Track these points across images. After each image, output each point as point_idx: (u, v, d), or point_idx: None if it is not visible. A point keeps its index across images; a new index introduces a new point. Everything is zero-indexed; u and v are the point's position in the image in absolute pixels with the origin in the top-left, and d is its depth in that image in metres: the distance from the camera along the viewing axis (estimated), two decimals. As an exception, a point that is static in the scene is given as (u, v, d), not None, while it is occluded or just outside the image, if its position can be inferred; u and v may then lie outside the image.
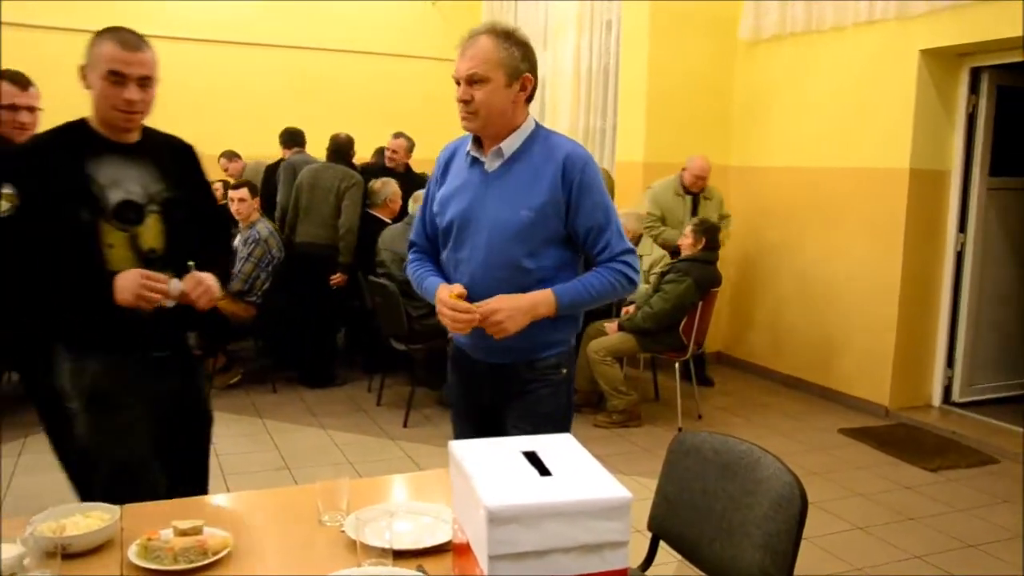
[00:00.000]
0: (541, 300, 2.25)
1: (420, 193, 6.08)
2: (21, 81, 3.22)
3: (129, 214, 2.32)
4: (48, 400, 2.56)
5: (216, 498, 2.05)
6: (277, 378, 6.16)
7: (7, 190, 2.18)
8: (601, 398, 5.58)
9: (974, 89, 5.62)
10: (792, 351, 5.93)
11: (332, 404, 5.83)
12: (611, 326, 5.52)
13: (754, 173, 6.78)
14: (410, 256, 2.57)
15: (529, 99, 2.33)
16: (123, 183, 2.33)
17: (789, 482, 1.85)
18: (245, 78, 9.09)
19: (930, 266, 5.78)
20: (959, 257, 5.80)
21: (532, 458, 1.51)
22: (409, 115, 8.90)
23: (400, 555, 1.64)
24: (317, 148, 7.09)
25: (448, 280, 2.40)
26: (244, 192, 5.98)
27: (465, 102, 2.27)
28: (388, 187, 6.34)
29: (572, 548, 1.34)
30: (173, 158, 2.50)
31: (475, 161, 2.37)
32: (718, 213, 6.30)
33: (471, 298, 2.28)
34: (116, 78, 2.26)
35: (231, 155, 8.29)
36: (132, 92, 2.28)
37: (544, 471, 1.45)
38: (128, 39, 2.29)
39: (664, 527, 2.15)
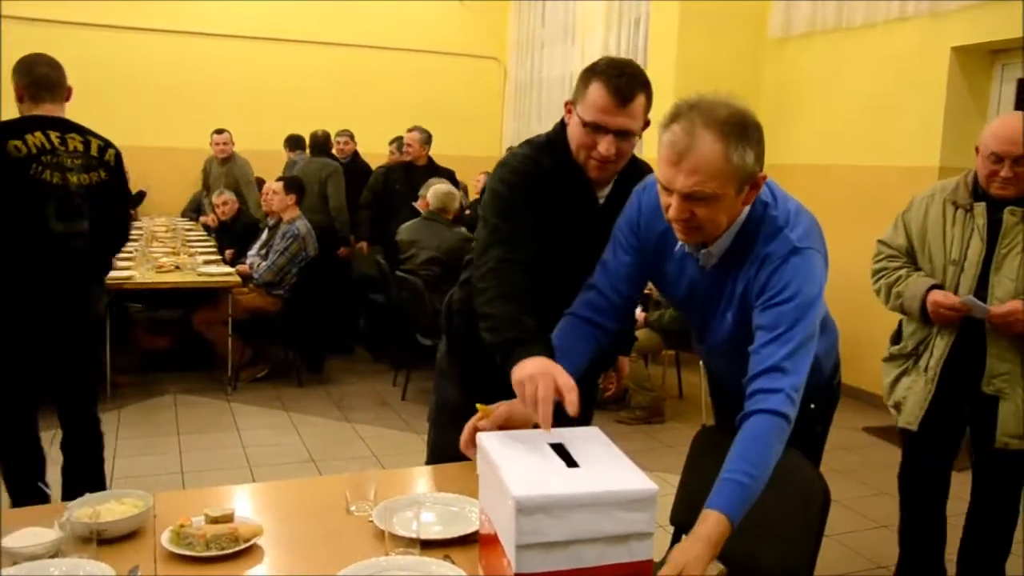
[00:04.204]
0: (715, 531, 1.57)
1: (435, 183, 6.11)
2: (621, 91, 2.03)
3: None
4: None
5: (245, 488, 2.08)
6: (303, 371, 6.22)
7: None
8: (625, 394, 5.58)
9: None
10: (818, 350, 5.88)
11: (357, 398, 5.87)
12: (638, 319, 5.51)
13: (781, 171, 6.71)
14: (573, 308, 2.06)
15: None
16: None
17: (811, 478, 1.85)
18: (271, 73, 9.22)
19: (959, 265, 5.72)
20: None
21: (560, 450, 1.53)
22: (432, 109, 8.99)
23: (427, 545, 1.66)
24: (362, 141, 7.88)
25: None
26: (278, 186, 6.24)
27: (685, 220, 1.76)
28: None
29: (598, 539, 1.35)
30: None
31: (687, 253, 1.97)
32: None
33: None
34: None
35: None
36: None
37: (571, 463, 1.47)
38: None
39: (687, 522, 2.16)
